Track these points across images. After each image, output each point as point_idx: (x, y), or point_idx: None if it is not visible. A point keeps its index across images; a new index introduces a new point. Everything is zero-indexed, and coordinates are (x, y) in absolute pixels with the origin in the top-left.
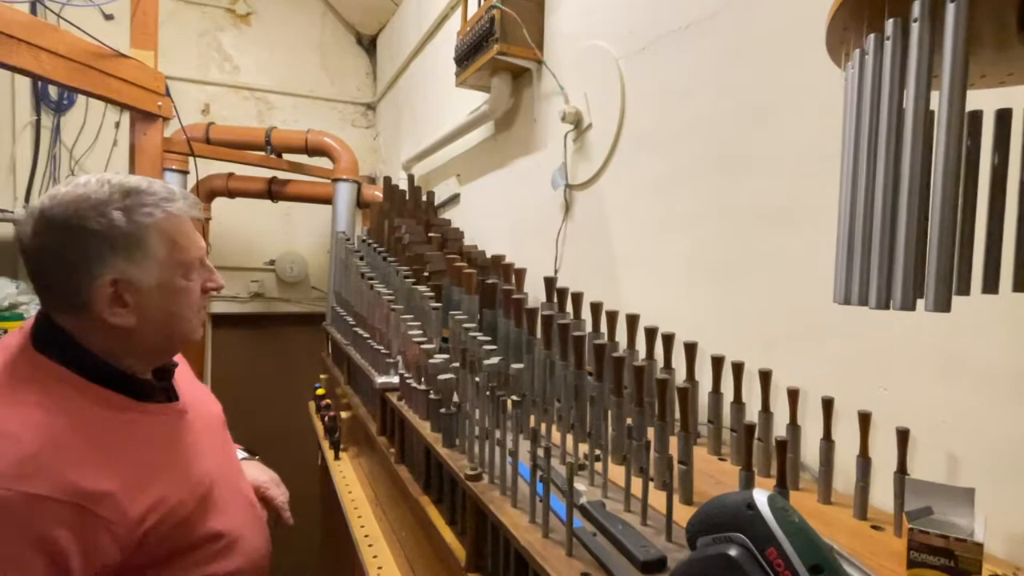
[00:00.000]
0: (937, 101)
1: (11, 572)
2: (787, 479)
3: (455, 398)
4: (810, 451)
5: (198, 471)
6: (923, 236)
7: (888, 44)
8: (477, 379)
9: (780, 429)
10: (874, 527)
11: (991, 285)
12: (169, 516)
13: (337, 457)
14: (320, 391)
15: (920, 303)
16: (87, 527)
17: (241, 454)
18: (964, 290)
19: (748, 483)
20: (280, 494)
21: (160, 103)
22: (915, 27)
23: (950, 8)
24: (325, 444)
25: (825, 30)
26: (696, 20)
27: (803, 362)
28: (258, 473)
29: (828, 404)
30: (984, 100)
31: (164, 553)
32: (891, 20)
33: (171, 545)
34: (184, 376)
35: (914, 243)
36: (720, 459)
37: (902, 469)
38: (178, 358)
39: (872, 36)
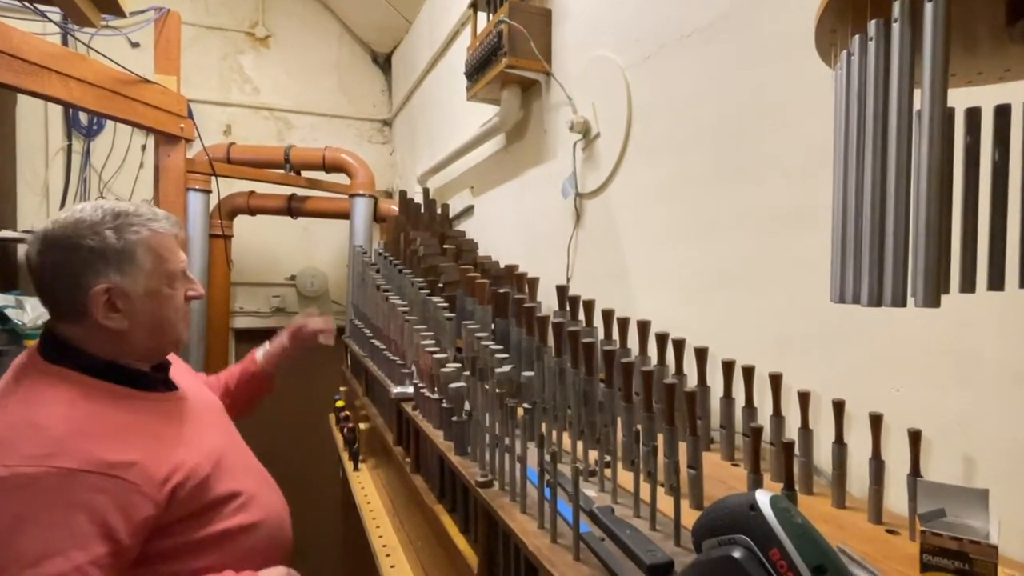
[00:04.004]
0: (920, 98)
1: (59, 530)
2: (794, 481)
3: (467, 406)
4: (823, 455)
5: (208, 442)
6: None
7: (871, 45)
8: (487, 387)
9: (793, 433)
10: (889, 531)
11: (996, 282)
12: (190, 477)
13: (356, 468)
14: (340, 403)
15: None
16: (120, 491)
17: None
18: (968, 288)
19: (756, 487)
20: None
21: (182, 125)
22: (896, 27)
23: (928, 8)
24: (344, 455)
25: (814, 31)
26: (698, 27)
27: (815, 365)
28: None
29: (839, 406)
30: (983, 96)
31: (193, 509)
32: (873, 21)
33: (197, 502)
34: (179, 371)
35: (903, 240)
36: (733, 464)
37: (915, 471)
38: (171, 357)
39: (856, 37)
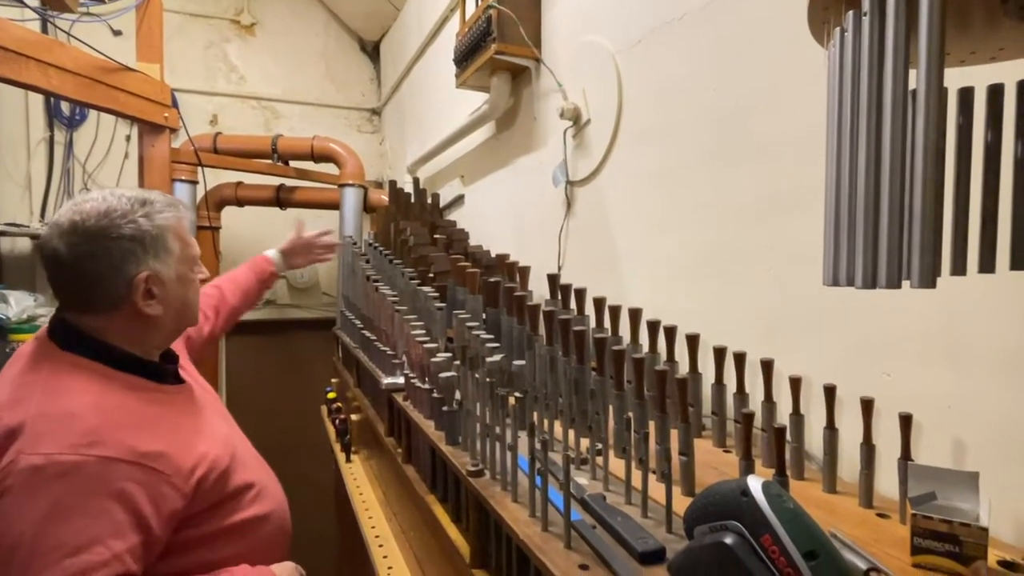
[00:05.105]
0: (915, 77)
1: (99, 518)
2: (786, 467)
3: (457, 396)
4: (815, 440)
5: (222, 434)
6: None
7: (865, 20)
8: (478, 376)
9: (784, 419)
10: (880, 515)
11: (988, 264)
12: (213, 468)
13: (348, 459)
14: (331, 395)
15: (907, 282)
16: (152, 481)
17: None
18: (960, 270)
19: (748, 473)
20: None
21: (166, 114)
22: (891, 2)
23: None
24: (336, 447)
25: (807, 8)
26: (690, 10)
27: (807, 351)
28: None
29: (830, 392)
30: (976, 76)
31: (214, 500)
32: None
33: (218, 494)
34: (182, 359)
35: (897, 220)
36: (725, 451)
37: (906, 455)
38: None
39: (851, 13)
